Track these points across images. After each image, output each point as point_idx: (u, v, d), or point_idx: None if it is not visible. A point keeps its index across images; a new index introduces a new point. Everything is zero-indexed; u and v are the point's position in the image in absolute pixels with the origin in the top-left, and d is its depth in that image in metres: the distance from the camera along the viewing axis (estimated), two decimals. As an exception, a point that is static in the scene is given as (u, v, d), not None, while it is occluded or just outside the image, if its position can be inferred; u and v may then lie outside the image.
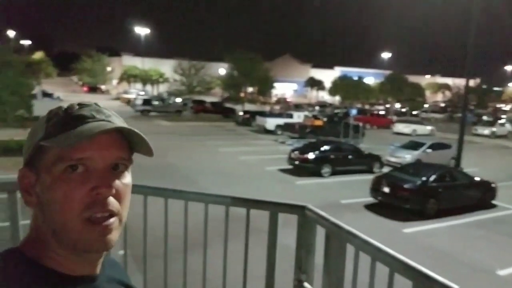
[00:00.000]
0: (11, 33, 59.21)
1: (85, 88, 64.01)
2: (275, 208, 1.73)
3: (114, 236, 0.68)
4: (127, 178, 0.71)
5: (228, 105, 36.20)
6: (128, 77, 57.01)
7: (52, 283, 0.65)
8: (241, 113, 31.16)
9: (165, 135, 22.63)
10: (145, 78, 56.16)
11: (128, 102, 40.74)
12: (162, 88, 52.31)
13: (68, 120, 0.67)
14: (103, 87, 63.27)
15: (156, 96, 40.38)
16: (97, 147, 0.66)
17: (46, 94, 38.10)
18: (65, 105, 0.71)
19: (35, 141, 0.67)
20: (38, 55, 63.55)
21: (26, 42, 63.33)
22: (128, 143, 0.72)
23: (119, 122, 0.71)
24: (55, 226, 0.65)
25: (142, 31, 56.07)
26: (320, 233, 1.64)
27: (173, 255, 1.97)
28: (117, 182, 0.68)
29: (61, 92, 45.09)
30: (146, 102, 34.35)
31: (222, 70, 38.02)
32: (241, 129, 27.56)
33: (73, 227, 0.64)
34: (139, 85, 57.16)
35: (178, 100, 36.57)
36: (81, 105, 0.71)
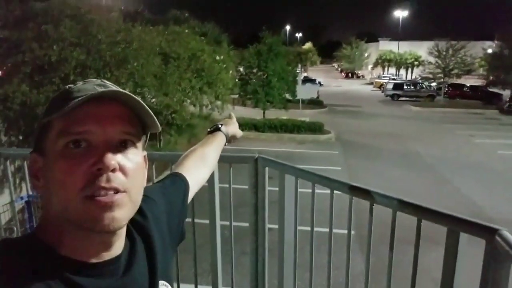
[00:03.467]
0: (287, 28, 68.93)
1: (343, 74, 67.89)
2: (454, 224, 1.39)
3: (121, 213, 0.63)
4: (135, 155, 0.67)
5: (492, 89, 30.81)
6: (383, 62, 56.70)
7: (67, 271, 0.61)
8: (508, 99, 26.10)
9: (412, 120, 21.60)
10: (400, 62, 54.44)
11: (380, 86, 40.65)
12: (417, 72, 49.59)
13: (68, 94, 0.64)
14: (359, 72, 65.28)
15: (408, 81, 38.61)
16: (99, 120, 0.63)
17: (308, 80, 42.45)
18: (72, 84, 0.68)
19: (42, 121, 0.64)
20: (307, 45, 71.71)
21: (299, 35, 72.56)
22: (139, 121, 0.68)
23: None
24: (58, 207, 0.62)
25: (400, 14, 54.25)
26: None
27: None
28: (120, 157, 0.64)
29: (322, 78, 49.24)
30: (397, 86, 33.33)
31: (489, 49, 32.38)
32: (506, 119, 23.14)
33: (75, 206, 0.60)
34: (393, 70, 56.02)
35: (432, 84, 33.74)
36: (85, 81, 0.69)
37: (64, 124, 0.61)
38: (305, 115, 19.94)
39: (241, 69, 19.15)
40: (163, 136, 11.00)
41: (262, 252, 2.21)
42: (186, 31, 13.79)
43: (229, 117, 1.51)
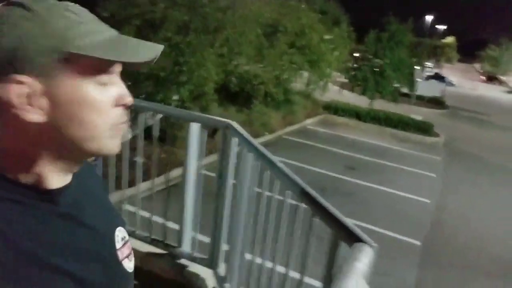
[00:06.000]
0: (429, 18, 62.69)
1: (483, 77, 60.32)
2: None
3: None
4: None
5: None
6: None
7: (24, 196, 0.60)
8: None
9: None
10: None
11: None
12: None
13: (95, 25, 0.62)
14: (503, 77, 57.32)
15: None
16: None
17: (437, 77, 38.73)
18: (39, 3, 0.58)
19: (47, 44, 0.55)
20: (449, 40, 64.97)
21: (442, 27, 65.73)
22: None
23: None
24: (77, 138, 0.60)
25: None
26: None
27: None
28: None
29: (456, 78, 44.53)
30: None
31: None
32: None
33: (103, 136, 0.62)
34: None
35: None
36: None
37: (107, 62, 0.59)
38: (419, 113, 18.30)
39: (356, 54, 18.34)
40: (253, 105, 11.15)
41: (219, 221, 2.19)
42: (303, 6, 13.58)
43: None
